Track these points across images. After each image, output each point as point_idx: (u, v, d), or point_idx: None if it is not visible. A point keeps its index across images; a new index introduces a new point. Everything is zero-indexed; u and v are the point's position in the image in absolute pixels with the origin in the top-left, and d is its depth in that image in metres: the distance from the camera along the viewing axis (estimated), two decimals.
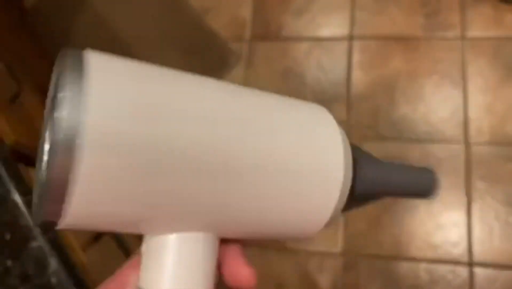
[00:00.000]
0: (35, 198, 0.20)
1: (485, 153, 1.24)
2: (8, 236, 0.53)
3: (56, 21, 1.40)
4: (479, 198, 1.21)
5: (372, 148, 1.28)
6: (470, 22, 1.36)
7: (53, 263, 0.52)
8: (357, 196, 0.25)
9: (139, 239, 0.76)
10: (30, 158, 0.64)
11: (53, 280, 0.52)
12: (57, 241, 0.54)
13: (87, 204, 0.18)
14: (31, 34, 1.17)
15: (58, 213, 0.18)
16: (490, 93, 1.29)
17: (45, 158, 0.19)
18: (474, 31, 1.35)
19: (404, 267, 1.20)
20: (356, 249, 1.23)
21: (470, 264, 1.17)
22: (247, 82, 1.42)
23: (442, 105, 1.30)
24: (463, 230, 1.19)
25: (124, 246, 0.67)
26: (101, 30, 1.47)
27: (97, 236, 0.65)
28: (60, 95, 0.17)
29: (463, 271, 1.16)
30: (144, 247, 0.23)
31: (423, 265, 1.19)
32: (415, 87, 1.33)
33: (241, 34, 1.49)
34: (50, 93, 0.21)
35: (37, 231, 0.52)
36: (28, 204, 0.55)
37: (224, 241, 0.24)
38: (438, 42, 1.36)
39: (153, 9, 1.52)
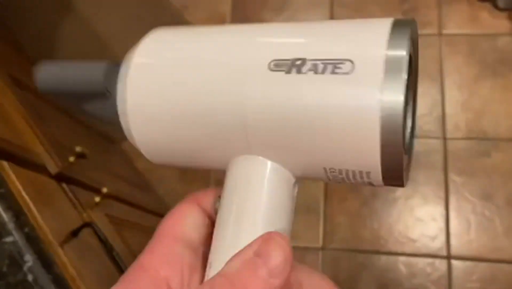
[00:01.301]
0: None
1: (461, 147, 1.26)
2: None
3: (29, 15, 1.36)
4: (456, 192, 1.23)
5: None
6: (446, 19, 1.38)
7: (29, 259, 0.50)
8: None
9: (121, 238, 0.73)
10: (1, 152, 0.62)
11: (30, 277, 0.49)
12: (33, 235, 0.52)
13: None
14: (3, 26, 1.13)
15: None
16: (466, 89, 1.31)
17: None
18: (451, 29, 1.37)
19: (384, 260, 1.21)
20: (336, 244, 1.23)
21: (448, 257, 1.18)
22: None
23: (420, 101, 1.32)
24: (441, 224, 1.21)
25: (105, 241, 0.65)
26: (81, 25, 1.43)
27: (75, 231, 0.63)
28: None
29: (441, 264, 1.18)
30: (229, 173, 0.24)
31: (402, 259, 1.20)
32: None
33: None
34: None
35: (11, 226, 0.50)
36: (1, 196, 0.53)
37: None
38: None
39: (132, 4, 1.50)
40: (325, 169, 0.22)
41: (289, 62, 0.20)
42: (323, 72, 0.20)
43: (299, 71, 0.20)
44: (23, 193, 0.58)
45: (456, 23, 1.37)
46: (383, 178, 0.21)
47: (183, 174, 1.34)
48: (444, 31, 1.37)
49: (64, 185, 0.75)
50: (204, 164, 0.26)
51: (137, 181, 1.22)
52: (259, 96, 0.21)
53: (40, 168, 0.72)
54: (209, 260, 0.23)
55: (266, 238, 0.21)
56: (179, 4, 1.50)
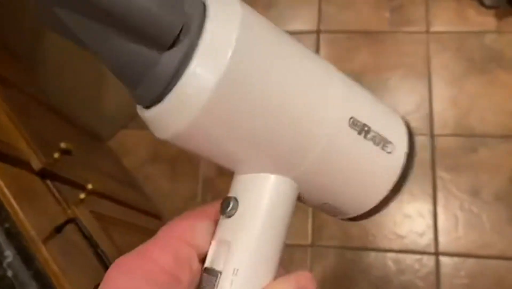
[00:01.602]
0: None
1: (449, 144, 1.27)
2: None
3: (15, 12, 1.34)
4: (444, 188, 1.24)
5: None
6: (434, 16, 1.39)
7: (9, 255, 0.49)
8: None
9: (106, 235, 0.72)
10: None
11: (9, 272, 0.48)
12: (13, 231, 0.51)
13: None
14: None
15: None
16: (454, 86, 1.32)
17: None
18: (438, 26, 1.38)
19: (372, 257, 1.21)
20: (325, 241, 1.23)
21: (436, 253, 1.19)
22: None
23: (408, 98, 1.32)
24: (429, 220, 1.22)
25: (89, 238, 0.64)
26: None
27: (58, 228, 0.61)
28: None
29: (429, 261, 1.19)
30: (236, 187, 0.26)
31: (390, 255, 1.20)
32: (381, 80, 1.35)
33: None
34: None
35: None
36: None
37: None
38: (403, 36, 1.38)
39: None
40: (325, 203, 0.28)
41: (361, 125, 0.26)
42: (377, 144, 0.26)
43: (365, 136, 0.26)
44: (5, 189, 0.57)
45: (443, 21, 1.38)
46: (356, 217, 0.29)
47: (170, 171, 1.33)
48: (432, 29, 1.37)
49: (48, 181, 0.74)
50: (222, 163, 0.25)
51: (124, 178, 1.21)
52: (332, 142, 0.25)
53: (24, 164, 0.71)
54: (233, 266, 0.23)
55: (310, 277, 0.25)
56: None
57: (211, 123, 0.21)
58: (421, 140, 1.27)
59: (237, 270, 0.23)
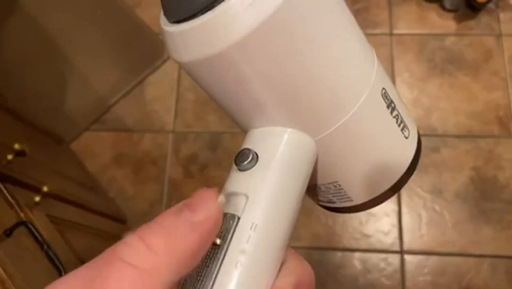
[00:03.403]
0: None
1: None
2: None
3: None
4: (408, 187, 1.26)
5: None
6: (397, 19, 1.41)
7: None
8: None
9: (64, 239, 0.69)
10: None
11: None
12: None
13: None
14: None
15: None
16: (416, 87, 1.34)
17: None
18: (401, 28, 1.40)
19: (339, 257, 1.21)
20: (291, 242, 1.23)
21: (401, 252, 1.21)
22: (181, 73, 1.39)
23: None
24: (393, 219, 1.23)
25: (41, 242, 0.62)
26: (27, 23, 1.37)
27: (7, 231, 0.59)
28: None
29: (394, 259, 1.20)
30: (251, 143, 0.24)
31: (357, 255, 1.21)
32: None
33: None
34: None
35: None
36: None
37: None
38: (367, 38, 1.40)
39: (81, 1, 1.45)
40: (335, 182, 0.27)
41: (390, 99, 0.26)
42: (399, 125, 0.26)
43: (391, 113, 0.26)
44: None
45: (406, 23, 1.41)
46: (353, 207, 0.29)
47: (135, 174, 1.30)
48: (395, 31, 1.40)
49: (0, 184, 0.71)
50: (243, 110, 0.24)
51: (86, 182, 1.18)
52: (364, 108, 0.24)
53: None
54: (252, 220, 0.21)
55: (312, 274, 0.24)
56: (132, 0, 1.46)
57: (259, 48, 0.20)
58: None
59: (256, 225, 0.21)
